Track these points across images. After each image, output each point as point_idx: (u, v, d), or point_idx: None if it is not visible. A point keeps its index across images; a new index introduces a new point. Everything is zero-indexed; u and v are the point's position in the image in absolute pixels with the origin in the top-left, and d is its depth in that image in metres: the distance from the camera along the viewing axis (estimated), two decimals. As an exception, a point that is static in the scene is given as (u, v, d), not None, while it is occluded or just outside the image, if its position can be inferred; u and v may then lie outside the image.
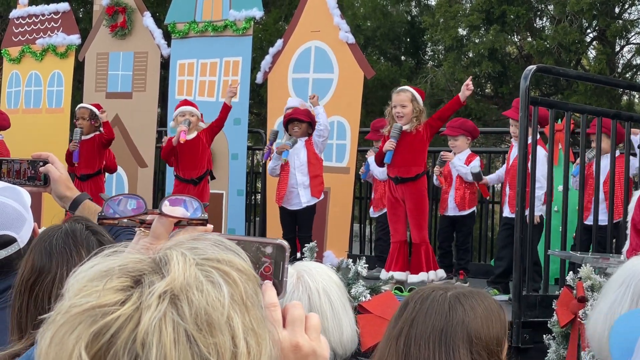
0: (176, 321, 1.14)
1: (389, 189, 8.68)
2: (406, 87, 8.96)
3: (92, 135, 10.60)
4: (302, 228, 9.56)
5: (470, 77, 8.85)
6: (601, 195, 7.72)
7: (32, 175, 3.07)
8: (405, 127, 8.47)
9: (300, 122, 9.55)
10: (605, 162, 7.85)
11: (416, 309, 2.35)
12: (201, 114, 10.16)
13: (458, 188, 9.67)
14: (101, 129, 10.69)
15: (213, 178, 10.32)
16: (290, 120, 9.58)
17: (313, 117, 9.62)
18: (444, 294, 2.38)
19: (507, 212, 8.31)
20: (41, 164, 3.06)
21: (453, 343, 2.29)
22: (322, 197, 9.64)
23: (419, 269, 8.43)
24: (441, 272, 8.56)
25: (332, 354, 2.77)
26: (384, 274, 8.48)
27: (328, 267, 2.96)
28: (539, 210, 7.73)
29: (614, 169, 7.57)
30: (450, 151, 9.76)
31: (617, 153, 7.95)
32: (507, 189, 8.34)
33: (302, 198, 9.53)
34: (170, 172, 11.04)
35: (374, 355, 2.38)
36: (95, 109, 10.67)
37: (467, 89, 8.51)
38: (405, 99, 8.54)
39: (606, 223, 7.61)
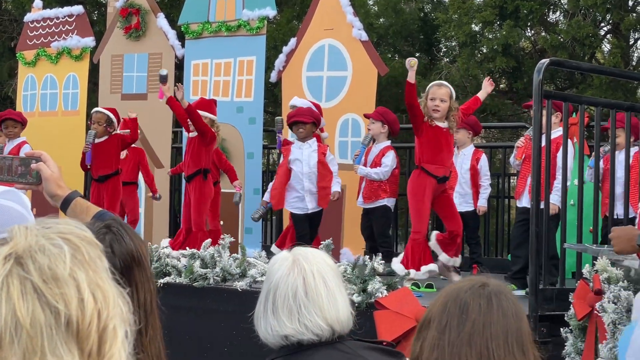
0: (22, 276, 1.29)
1: (422, 185, 8.51)
2: (445, 82, 8.92)
3: (106, 137, 10.59)
4: (311, 229, 9.57)
5: (489, 77, 8.78)
6: (618, 190, 7.70)
7: (23, 172, 3.10)
8: (443, 124, 8.45)
9: (304, 123, 9.55)
10: (622, 157, 7.85)
11: (486, 309, 2.32)
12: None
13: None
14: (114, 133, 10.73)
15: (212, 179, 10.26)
16: (294, 122, 9.58)
17: (317, 116, 9.59)
18: (499, 289, 2.39)
19: (525, 202, 8.22)
20: (33, 161, 3.09)
21: (524, 342, 2.32)
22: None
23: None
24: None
25: (331, 330, 2.91)
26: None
27: (323, 252, 3.08)
28: (556, 200, 7.70)
29: (629, 162, 7.55)
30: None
31: (636, 148, 7.94)
32: (529, 179, 8.27)
33: (309, 204, 9.53)
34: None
35: None
36: (111, 115, 10.67)
37: (489, 83, 8.51)
38: (445, 94, 8.46)
39: (622, 217, 7.59)
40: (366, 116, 9.89)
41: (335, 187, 9.50)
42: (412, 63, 8.30)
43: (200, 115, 9.77)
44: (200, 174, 9.96)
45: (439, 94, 8.44)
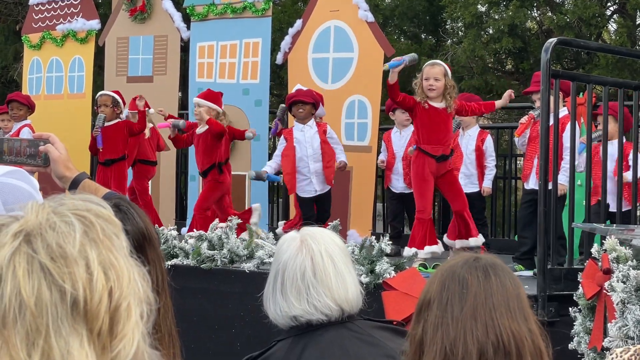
0: (29, 254, 1.25)
1: (422, 165, 8.52)
2: (439, 61, 8.94)
3: (116, 121, 10.61)
4: (321, 210, 9.56)
5: (511, 92, 8.72)
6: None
7: (32, 153, 3.09)
8: (440, 105, 8.44)
9: (304, 103, 9.52)
10: (612, 147, 7.78)
11: (485, 281, 2.33)
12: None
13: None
14: (122, 115, 10.70)
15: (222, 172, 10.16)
16: (294, 102, 9.57)
17: (317, 98, 9.59)
18: (491, 261, 2.40)
19: (533, 184, 8.20)
20: (42, 143, 3.08)
21: (525, 307, 2.33)
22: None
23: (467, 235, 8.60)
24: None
25: (340, 310, 2.90)
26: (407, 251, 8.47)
27: (330, 232, 3.07)
28: (564, 180, 7.68)
29: (621, 151, 7.46)
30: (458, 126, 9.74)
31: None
32: (535, 160, 8.23)
33: (316, 186, 9.50)
34: (192, 155, 11.03)
35: (434, 346, 2.31)
36: (116, 96, 10.69)
37: (509, 95, 8.49)
38: (439, 73, 8.47)
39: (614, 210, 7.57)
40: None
41: (341, 157, 9.52)
42: (385, 67, 8.37)
43: (218, 123, 9.76)
44: (215, 167, 9.90)
45: (432, 73, 8.47)
